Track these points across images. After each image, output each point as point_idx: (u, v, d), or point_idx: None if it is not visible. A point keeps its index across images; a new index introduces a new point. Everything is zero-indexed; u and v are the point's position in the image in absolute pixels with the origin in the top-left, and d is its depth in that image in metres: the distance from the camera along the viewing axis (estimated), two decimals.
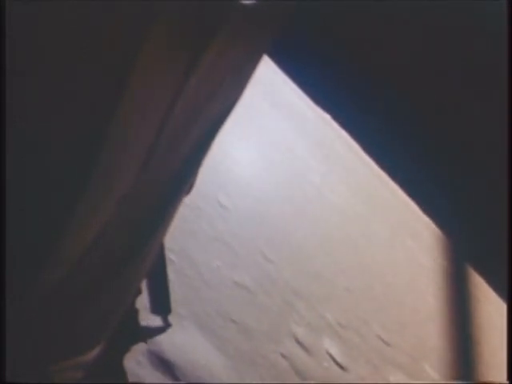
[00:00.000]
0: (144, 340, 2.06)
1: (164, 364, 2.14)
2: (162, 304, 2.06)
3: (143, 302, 1.99)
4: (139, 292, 1.75)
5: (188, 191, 1.46)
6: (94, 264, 1.24)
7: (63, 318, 1.28)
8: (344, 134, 5.25)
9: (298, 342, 2.89)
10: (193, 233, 2.97)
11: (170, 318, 2.10)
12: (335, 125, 5.24)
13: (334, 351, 3.05)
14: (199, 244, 2.95)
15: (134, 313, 1.91)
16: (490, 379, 3.76)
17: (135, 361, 2.02)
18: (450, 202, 5.49)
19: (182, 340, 2.29)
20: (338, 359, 3.02)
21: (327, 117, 5.23)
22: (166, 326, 2.13)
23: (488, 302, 4.81)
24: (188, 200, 3.09)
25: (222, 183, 3.57)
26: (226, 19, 1.08)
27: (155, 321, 2.15)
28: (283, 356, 2.71)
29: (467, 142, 5.82)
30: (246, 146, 4.19)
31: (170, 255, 2.64)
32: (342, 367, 3.01)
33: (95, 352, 1.43)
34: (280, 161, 4.32)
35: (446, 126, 5.84)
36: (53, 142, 1.12)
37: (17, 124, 1.11)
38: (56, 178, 1.16)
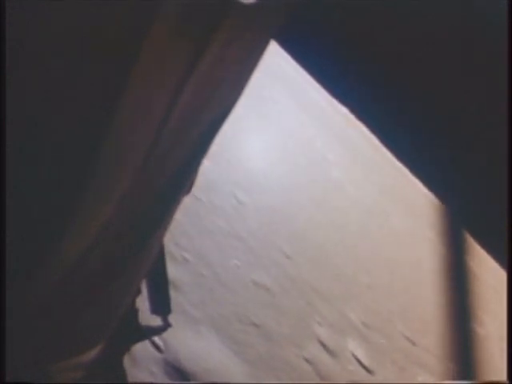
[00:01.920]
0: (143, 340, 2.03)
1: (179, 373, 2.01)
2: (161, 304, 2.04)
3: (143, 302, 1.98)
4: (139, 292, 1.83)
5: (188, 191, 1.48)
6: (94, 264, 1.26)
7: (63, 318, 1.29)
8: (361, 127, 5.18)
9: (322, 345, 2.76)
10: (208, 231, 2.85)
11: (185, 323, 2.02)
12: (353, 117, 5.17)
13: (359, 353, 2.94)
14: (215, 242, 2.82)
15: (134, 313, 1.96)
16: (490, 378, 3.65)
17: (148, 371, 1.90)
18: (468, 193, 5.48)
19: (198, 346, 2.16)
20: (364, 361, 2.91)
21: (344, 110, 5.18)
22: (166, 325, 2.12)
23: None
24: (203, 196, 3.00)
25: (238, 178, 3.46)
26: (225, 18, 1.08)
27: (155, 321, 2.09)
28: (306, 360, 2.58)
29: (479, 138, 5.88)
30: (263, 139, 4.11)
31: (184, 255, 2.52)
32: (367, 370, 2.89)
33: (95, 352, 1.44)
34: (298, 155, 4.24)
35: (462, 119, 5.90)
36: (53, 142, 1.13)
37: (17, 124, 1.11)
38: (56, 178, 1.15)
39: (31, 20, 1.04)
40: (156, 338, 2.04)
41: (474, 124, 5.85)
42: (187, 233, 2.65)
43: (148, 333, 2.08)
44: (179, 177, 1.31)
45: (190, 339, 2.15)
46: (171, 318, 2.10)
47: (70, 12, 1.04)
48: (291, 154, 4.18)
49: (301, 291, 3.02)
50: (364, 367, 2.89)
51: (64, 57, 1.07)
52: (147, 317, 2.07)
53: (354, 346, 2.96)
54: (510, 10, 5.25)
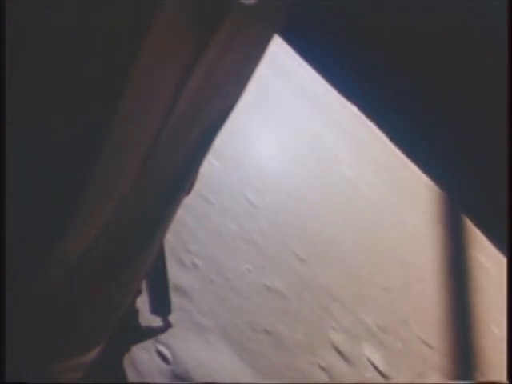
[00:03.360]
0: (143, 340, 2.02)
1: None
2: (161, 304, 2.07)
3: (143, 302, 1.97)
4: (139, 292, 1.84)
5: (188, 191, 1.48)
6: (95, 264, 1.27)
7: (64, 318, 1.30)
8: (370, 124, 5.16)
9: (337, 351, 2.67)
10: (219, 234, 2.77)
11: (194, 332, 1.94)
12: (361, 114, 5.16)
13: (376, 359, 2.85)
14: (226, 246, 2.73)
15: (134, 313, 1.98)
16: (490, 378, 3.58)
17: None
18: (473, 185, 5.52)
19: (208, 357, 2.07)
20: (381, 367, 2.82)
21: (353, 107, 5.16)
22: (167, 326, 2.11)
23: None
24: (213, 198, 2.93)
25: (248, 178, 3.38)
26: (225, 18, 1.09)
27: (156, 321, 2.08)
28: (321, 368, 2.49)
29: (483, 136, 5.93)
30: (272, 137, 4.04)
31: (194, 260, 2.44)
32: (384, 376, 2.80)
33: (95, 352, 1.45)
34: (308, 152, 4.17)
35: (470, 116, 5.96)
36: (53, 143, 1.13)
37: (17, 124, 1.12)
38: (56, 178, 1.16)
39: (31, 20, 1.04)
40: (163, 348, 1.96)
41: (477, 120, 5.91)
42: (196, 237, 2.57)
43: (148, 333, 2.07)
44: (179, 177, 1.31)
45: (199, 349, 2.06)
46: (179, 327, 2.02)
47: (69, 12, 1.04)
48: (302, 153, 4.11)
49: (315, 295, 2.93)
50: (381, 373, 2.80)
51: (64, 57, 1.07)
52: (147, 317, 2.05)
53: (371, 352, 2.87)
54: (510, 10, 5.31)
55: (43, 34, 1.05)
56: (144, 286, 2.00)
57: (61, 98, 1.09)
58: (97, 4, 1.03)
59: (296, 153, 4.07)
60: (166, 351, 1.97)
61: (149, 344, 1.92)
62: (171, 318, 2.11)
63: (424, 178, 5.12)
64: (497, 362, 3.73)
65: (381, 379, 2.76)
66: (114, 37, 1.05)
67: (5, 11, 1.03)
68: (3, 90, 1.08)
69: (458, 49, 5.75)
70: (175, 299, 2.15)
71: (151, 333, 2.06)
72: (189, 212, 2.68)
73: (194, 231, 2.60)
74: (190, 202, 2.70)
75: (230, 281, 2.52)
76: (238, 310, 2.39)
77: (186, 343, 2.01)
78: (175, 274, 2.19)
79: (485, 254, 4.77)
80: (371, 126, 5.14)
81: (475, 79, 5.81)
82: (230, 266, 2.62)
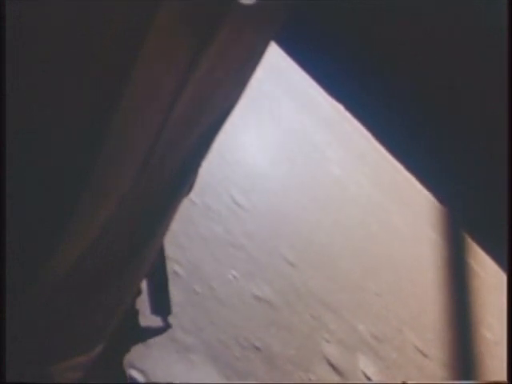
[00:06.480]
0: (144, 340, 2.01)
1: None
2: (161, 304, 2.09)
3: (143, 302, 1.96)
4: (139, 292, 1.89)
5: (188, 191, 1.47)
6: (94, 264, 1.29)
7: (63, 318, 1.32)
8: (359, 124, 5.14)
9: (331, 365, 2.53)
10: (203, 238, 2.63)
11: (175, 351, 1.79)
12: (348, 115, 5.14)
13: (371, 371, 2.74)
14: (210, 251, 2.59)
15: (134, 313, 2.01)
16: (490, 379, 3.59)
17: None
18: (463, 190, 5.57)
19: (190, 380, 1.89)
20: (376, 380, 2.70)
21: (340, 107, 5.14)
22: (166, 326, 2.14)
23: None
24: (197, 199, 2.79)
25: (235, 178, 3.28)
26: (225, 18, 1.11)
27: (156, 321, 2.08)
28: None
29: (479, 138, 6.01)
30: (261, 137, 3.95)
31: (175, 268, 2.29)
32: None
33: (95, 352, 1.46)
34: (297, 151, 4.09)
35: (461, 118, 5.98)
36: (53, 143, 1.15)
37: (17, 124, 1.13)
38: (56, 178, 1.18)
39: (31, 20, 1.06)
40: (136, 374, 1.76)
41: (472, 124, 6.05)
42: (178, 241, 2.44)
43: (148, 333, 2.07)
44: (179, 177, 1.33)
45: (180, 371, 1.87)
46: (157, 346, 1.86)
47: (69, 12, 1.06)
48: (290, 153, 4.04)
49: (306, 303, 2.81)
50: None
51: (64, 57, 1.09)
52: (147, 317, 2.05)
53: (365, 364, 2.77)
54: (510, 10, 5.37)
55: (43, 33, 1.06)
56: (144, 285, 2.03)
57: (61, 98, 1.11)
58: (97, 4, 1.05)
59: (284, 152, 4.02)
60: (139, 377, 1.76)
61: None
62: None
63: (410, 177, 5.14)
64: (491, 367, 3.67)
65: None
66: (114, 37, 1.06)
67: (5, 11, 1.05)
68: (3, 90, 1.09)
69: (457, 48, 5.76)
70: None
71: (151, 333, 2.07)
72: None
73: (174, 234, 2.47)
74: None
75: (214, 290, 2.37)
76: (224, 324, 2.23)
77: (165, 365, 1.83)
78: None
79: (477, 259, 4.75)
80: (360, 126, 5.12)
81: (474, 80, 5.86)
82: (215, 274, 2.48)
